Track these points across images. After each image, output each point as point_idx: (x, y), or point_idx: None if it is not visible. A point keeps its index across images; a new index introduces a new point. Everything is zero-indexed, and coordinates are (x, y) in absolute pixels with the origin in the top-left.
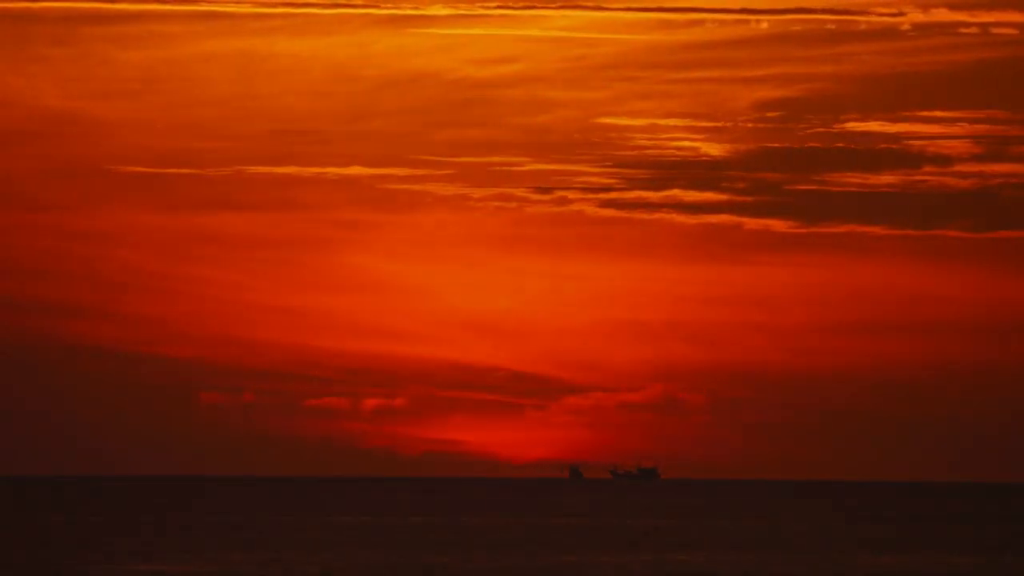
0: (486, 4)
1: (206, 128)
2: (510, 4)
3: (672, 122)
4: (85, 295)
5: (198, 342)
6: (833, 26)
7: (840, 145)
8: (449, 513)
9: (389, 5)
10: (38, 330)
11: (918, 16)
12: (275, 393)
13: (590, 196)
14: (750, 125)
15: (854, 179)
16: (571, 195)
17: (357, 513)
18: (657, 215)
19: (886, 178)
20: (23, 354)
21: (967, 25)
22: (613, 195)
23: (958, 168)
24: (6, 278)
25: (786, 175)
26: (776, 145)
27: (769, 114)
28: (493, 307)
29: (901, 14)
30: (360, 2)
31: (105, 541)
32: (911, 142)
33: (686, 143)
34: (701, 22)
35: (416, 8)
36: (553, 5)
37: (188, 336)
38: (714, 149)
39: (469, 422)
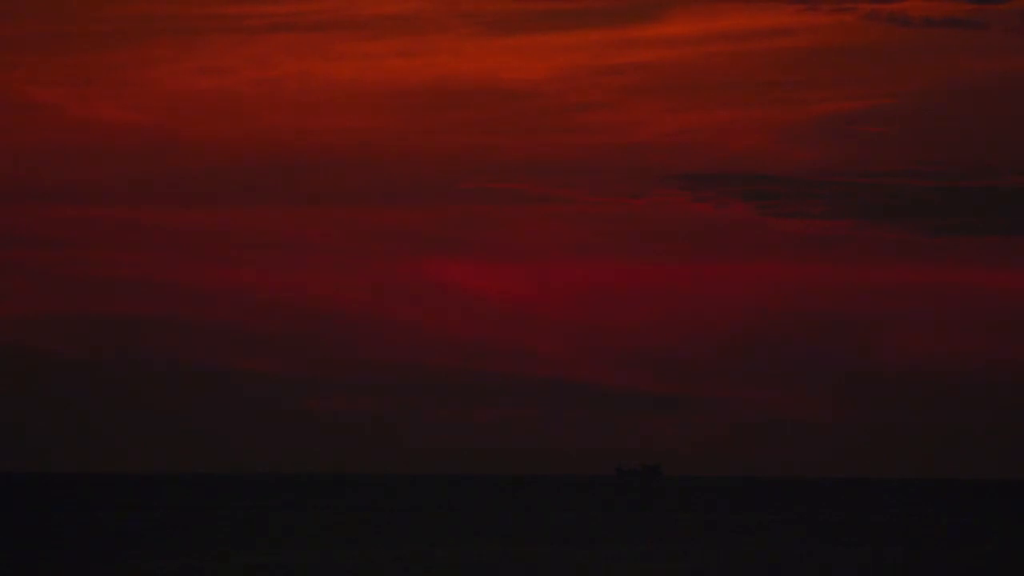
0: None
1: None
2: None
3: (786, 131)
4: (177, 309)
5: (306, 358)
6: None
7: (968, 156)
8: None
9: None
10: (138, 346)
11: None
12: (397, 405)
13: (699, 206)
14: (873, 135)
15: (981, 185)
16: (673, 204)
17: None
18: (767, 221)
19: (1008, 180)
20: (131, 369)
21: None
22: (716, 206)
23: None
24: (106, 295)
25: (913, 181)
26: (904, 153)
27: (892, 124)
28: (607, 320)
29: None
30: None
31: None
32: None
33: (800, 152)
34: (799, 31)
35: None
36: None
37: (298, 351)
38: (833, 155)
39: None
